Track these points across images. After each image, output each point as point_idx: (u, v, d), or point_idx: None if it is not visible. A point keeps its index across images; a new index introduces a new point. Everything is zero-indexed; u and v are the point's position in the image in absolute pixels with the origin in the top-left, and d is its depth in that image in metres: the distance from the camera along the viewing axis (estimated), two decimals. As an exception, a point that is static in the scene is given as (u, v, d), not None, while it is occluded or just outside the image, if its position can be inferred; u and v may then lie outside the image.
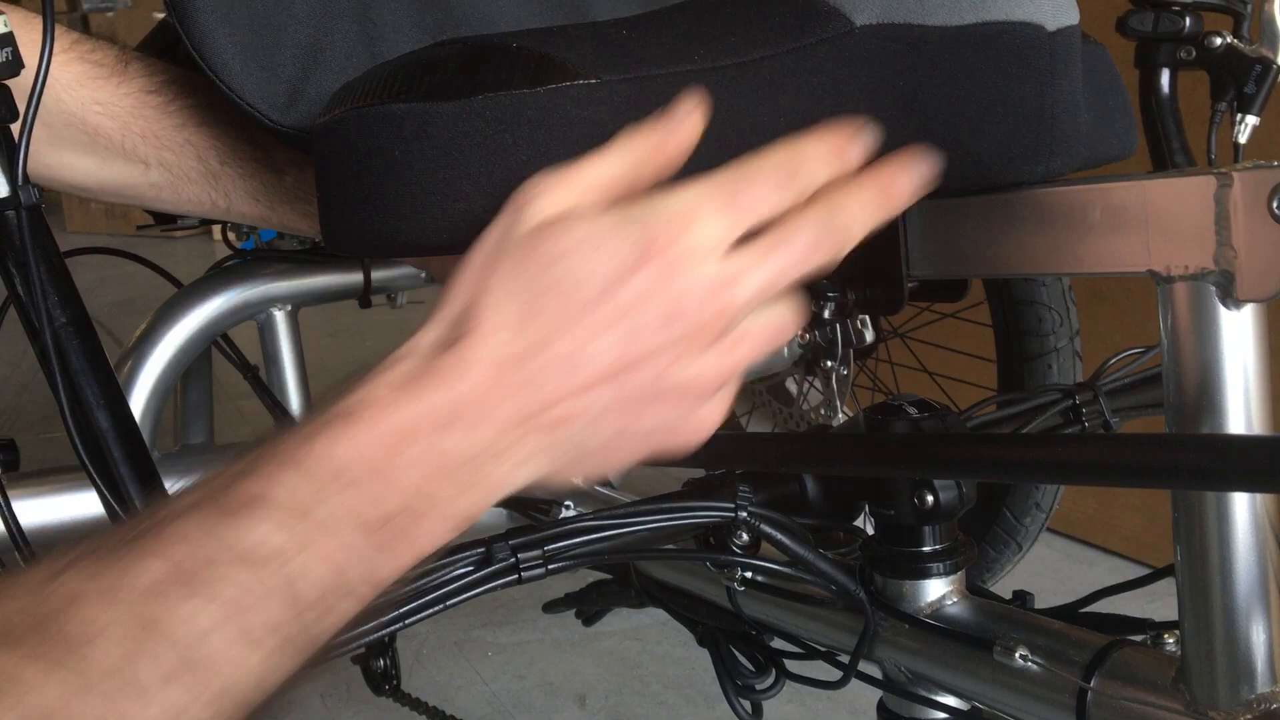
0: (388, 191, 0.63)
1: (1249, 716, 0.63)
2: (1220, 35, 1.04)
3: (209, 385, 1.30)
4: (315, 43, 0.73)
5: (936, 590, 0.80)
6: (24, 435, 1.05)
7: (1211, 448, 0.60)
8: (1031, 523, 1.53)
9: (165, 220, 1.55)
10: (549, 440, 0.53)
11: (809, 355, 0.81)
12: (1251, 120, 1.04)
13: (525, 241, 0.53)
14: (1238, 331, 0.60)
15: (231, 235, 1.52)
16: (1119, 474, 0.64)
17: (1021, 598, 0.82)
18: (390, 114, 0.62)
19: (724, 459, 0.82)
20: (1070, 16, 0.70)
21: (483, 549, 0.74)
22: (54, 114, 0.85)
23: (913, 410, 0.79)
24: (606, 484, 1.08)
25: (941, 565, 0.80)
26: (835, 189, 0.55)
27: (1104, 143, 0.80)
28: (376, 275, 1.32)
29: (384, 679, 1.33)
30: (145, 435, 1.04)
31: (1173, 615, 0.68)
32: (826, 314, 0.78)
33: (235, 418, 2.57)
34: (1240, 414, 0.61)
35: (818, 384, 1.75)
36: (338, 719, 1.73)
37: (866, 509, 0.83)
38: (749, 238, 0.53)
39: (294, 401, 1.28)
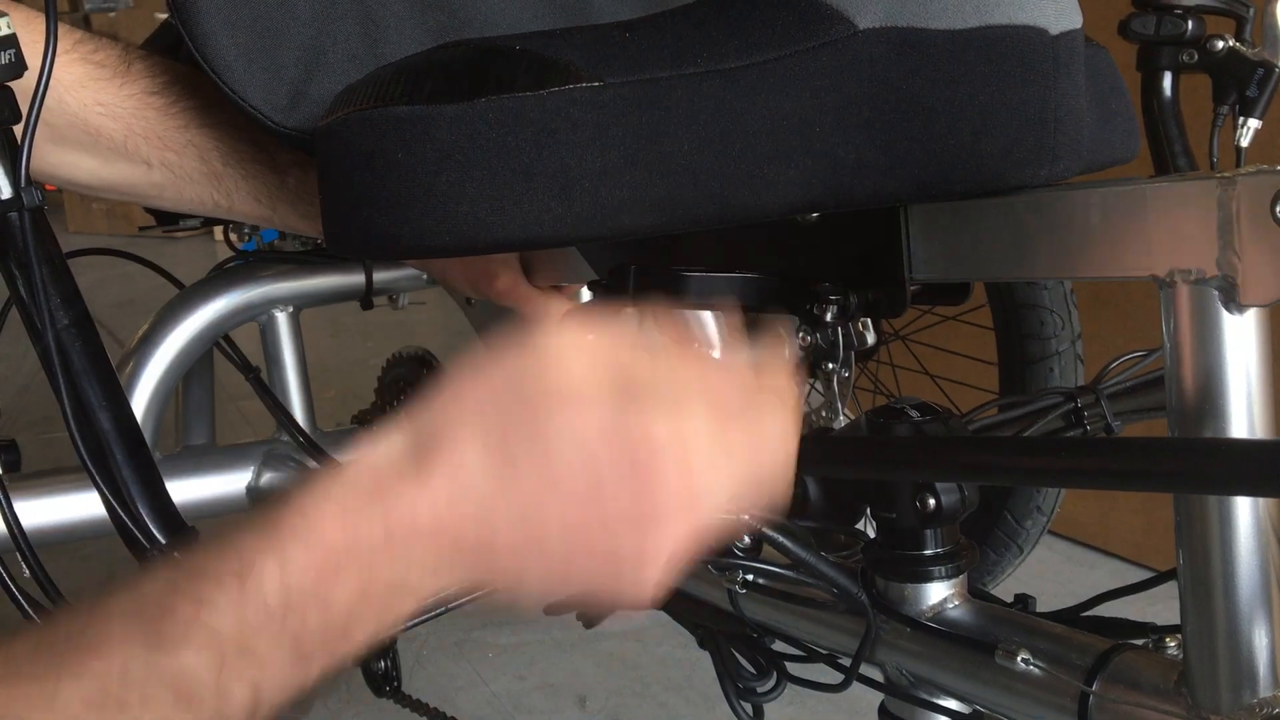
0: (390, 193, 0.63)
1: (1251, 721, 0.63)
2: (1222, 39, 1.04)
3: (210, 386, 1.30)
4: (317, 44, 0.73)
5: (938, 593, 0.80)
6: (25, 435, 1.05)
7: (1214, 452, 0.60)
8: (1033, 526, 1.53)
9: (167, 221, 1.55)
10: (487, 570, 0.53)
11: (810, 357, 0.80)
12: (1254, 124, 1.04)
13: (529, 400, 0.52)
14: (1240, 336, 0.60)
15: (233, 236, 1.52)
16: (1121, 478, 0.64)
17: (1023, 601, 0.82)
18: (393, 116, 0.62)
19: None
20: (1073, 20, 0.70)
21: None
22: (56, 115, 0.85)
23: (915, 413, 0.79)
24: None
25: (943, 568, 0.80)
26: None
27: (1106, 146, 0.80)
28: (378, 277, 1.32)
29: (385, 680, 1.33)
30: (147, 436, 1.04)
31: (1175, 619, 0.68)
32: (828, 316, 0.78)
33: (236, 419, 2.57)
34: (1243, 418, 0.61)
35: (819, 386, 1.75)
36: (338, 720, 1.73)
37: (868, 512, 0.83)
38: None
39: (295, 402, 1.28)
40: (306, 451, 1.20)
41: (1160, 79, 1.08)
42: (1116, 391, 0.98)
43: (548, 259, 1.04)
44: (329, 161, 0.67)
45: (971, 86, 0.66)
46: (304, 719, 0.52)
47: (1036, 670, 0.72)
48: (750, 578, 0.89)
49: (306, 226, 0.94)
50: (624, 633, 1.89)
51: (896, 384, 1.86)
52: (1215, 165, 1.07)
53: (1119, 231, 0.63)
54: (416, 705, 1.38)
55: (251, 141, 0.89)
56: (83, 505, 1.09)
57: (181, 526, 0.89)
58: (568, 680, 1.81)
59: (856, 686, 0.85)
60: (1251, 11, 1.06)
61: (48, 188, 0.85)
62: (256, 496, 1.22)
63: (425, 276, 1.25)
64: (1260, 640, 0.63)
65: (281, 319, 1.27)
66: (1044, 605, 0.82)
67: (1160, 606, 0.83)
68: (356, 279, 1.31)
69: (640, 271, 0.86)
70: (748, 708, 0.98)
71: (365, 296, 1.34)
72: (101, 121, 0.86)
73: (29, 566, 0.85)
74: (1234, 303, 0.59)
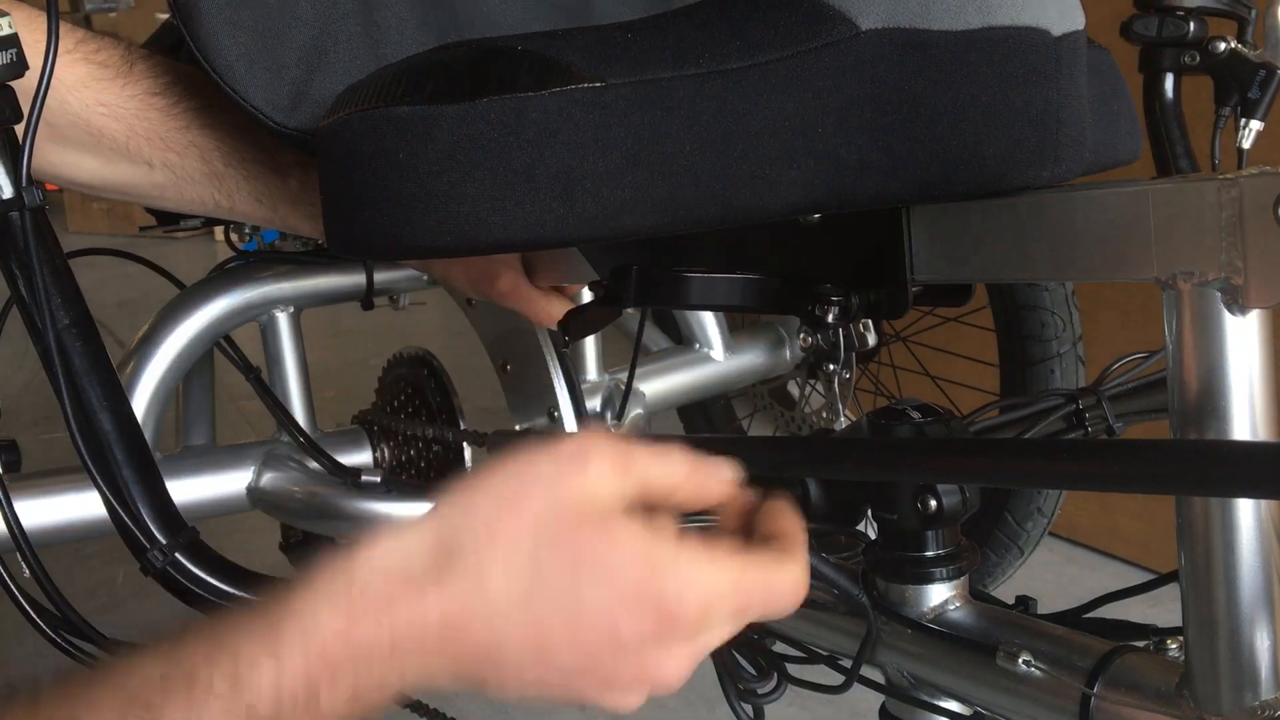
0: (392, 194, 0.63)
1: (1252, 723, 0.63)
2: (1224, 40, 1.04)
3: (211, 386, 1.30)
4: (319, 44, 0.73)
5: (939, 595, 0.80)
6: (25, 435, 1.05)
7: (1216, 454, 0.59)
8: (1034, 527, 1.53)
9: (168, 221, 1.55)
10: (470, 683, 0.53)
11: (811, 359, 0.80)
12: (1255, 125, 1.04)
13: (562, 518, 0.52)
14: (1243, 338, 0.60)
15: (234, 236, 1.52)
16: (1122, 480, 0.64)
17: (1024, 603, 0.82)
18: (394, 116, 0.62)
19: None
20: (1075, 21, 0.70)
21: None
22: (58, 115, 0.85)
23: (916, 414, 0.79)
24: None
25: (944, 570, 0.80)
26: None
27: (1108, 147, 0.80)
28: (379, 277, 1.32)
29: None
30: (147, 436, 1.04)
31: (1176, 621, 0.68)
32: (830, 318, 0.78)
33: (237, 419, 2.57)
34: (1245, 420, 0.61)
35: (820, 387, 1.75)
36: (338, 721, 1.72)
37: (869, 513, 0.83)
38: None
39: (296, 402, 1.28)
40: (307, 452, 1.20)
41: (1162, 80, 1.08)
42: (1118, 393, 0.98)
43: (549, 259, 1.04)
44: (330, 162, 0.67)
45: (974, 88, 0.66)
46: None
47: (1038, 672, 0.72)
48: (751, 579, 0.89)
49: (308, 227, 0.93)
50: (624, 634, 1.89)
51: (898, 385, 1.85)
52: (1217, 167, 1.07)
53: (1121, 233, 0.62)
54: (416, 706, 1.38)
55: (253, 142, 0.89)
56: (83, 505, 1.09)
57: (182, 527, 0.89)
58: (568, 681, 1.80)
59: (857, 688, 0.85)
60: (1253, 13, 1.06)
61: (49, 187, 0.85)
62: (257, 497, 1.22)
63: (426, 277, 1.25)
64: (1262, 642, 0.63)
65: (282, 319, 1.27)
66: (1045, 607, 0.82)
67: (1162, 608, 0.83)
68: (357, 279, 1.31)
69: (642, 272, 0.86)
70: (748, 709, 0.98)
71: (366, 297, 1.34)
72: (103, 122, 0.86)
73: (29, 567, 0.85)
74: (1236, 305, 0.59)
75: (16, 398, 3.24)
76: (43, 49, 0.76)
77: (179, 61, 0.88)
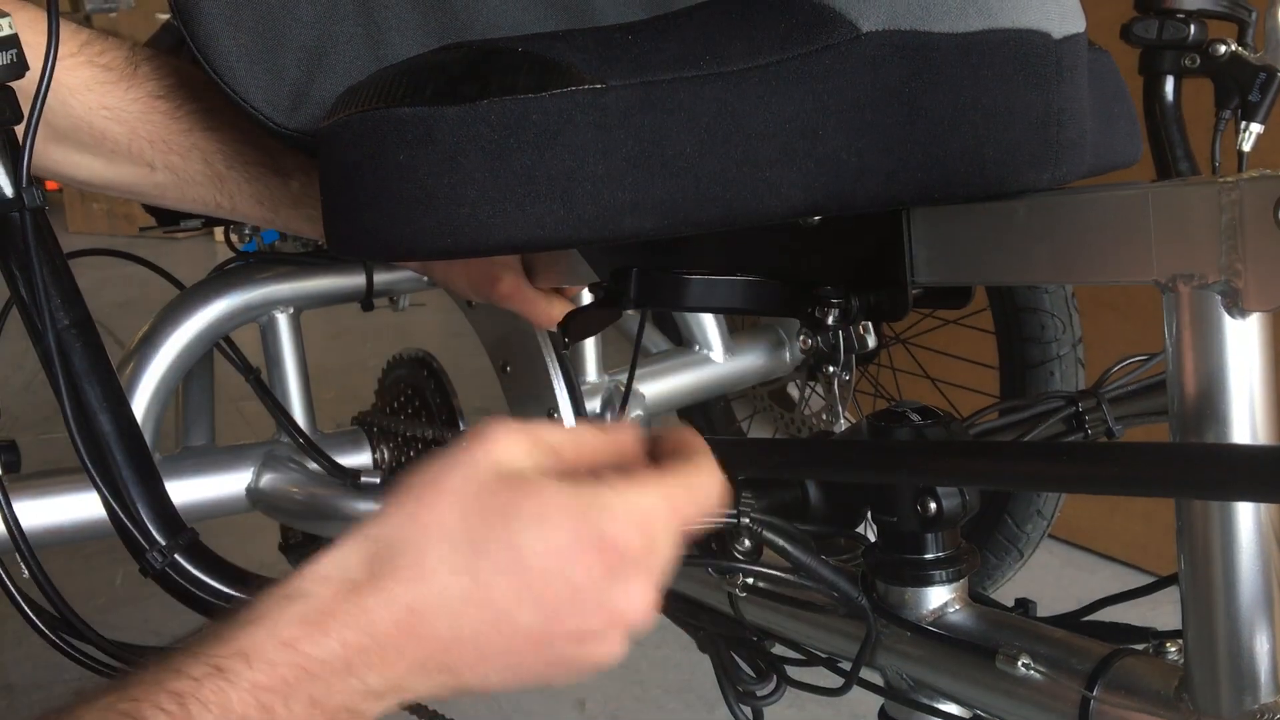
0: (392, 196, 0.63)
1: (1252, 727, 0.63)
2: (1224, 43, 1.04)
3: (210, 387, 1.30)
4: (319, 46, 0.73)
5: (939, 597, 0.80)
6: (25, 436, 1.05)
7: (1216, 457, 0.59)
8: (1033, 530, 1.53)
9: (168, 222, 1.55)
10: (445, 680, 0.53)
11: (811, 361, 0.80)
12: (1256, 128, 1.04)
13: (483, 490, 0.53)
14: (1243, 341, 0.60)
15: (234, 237, 1.52)
16: (1122, 483, 0.64)
17: (1024, 606, 0.82)
18: (395, 118, 0.62)
19: (726, 465, 0.82)
20: (1076, 24, 0.70)
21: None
22: (60, 116, 0.85)
23: (915, 417, 0.79)
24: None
25: (944, 572, 0.80)
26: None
27: (1109, 150, 0.80)
28: (379, 278, 1.32)
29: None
30: (146, 437, 1.04)
31: (1176, 624, 0.68)
32: (830, 320, 0.78)
33: (236, 419, 2.57)
34: (1245, 423, 0.61)
35: (819, 389, 1.75)
36: (337, 722, 1.72)
37: (869, 516, 0.83)
38: None
39: (295, 403, 1.28)
40: (306, 453, 1.20)
41: (1162, 83, 1.08)
42: (1118, 396, 0.98)
43: (549, 261, 1.04)
44: (331, 163, 0.67)
45: (974, 90, 0.66)
46: None
47: (1037, 675, 0.72)
48: (750, 581, 0.89)
49: (309, 229, 0.93)
50: (623, 635, 1.89)
51: (897, 387, 1.85)
52: (1217, 170, 1.07)
53: (1121, 236, 0.62)
54: (415, 708, 1.38)
55: (256, 145, 0.89)
56: (82, 506, 1.09)
57: (181, 528, 0.89)
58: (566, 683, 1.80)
59: (856, 690, 0.85)
60: (1254, 16, 1.06)
61: (49, 185, 0.85)
62: (256, 498, 1.22)
63: (425, 278, 1.25)
64: (1261, 646, 0.63)
65: (282, 320, 1.27)
66: (1044, 610, 0.82)
67: (1161, 611, 0.83)
68: (357, 280, 1.31)
69: (642, 274, 0.86)
70: (747, 711, 0.98)
71: (366, 298, 1.34)
72: (106, 125, 0.86)
73: (28, 568, 0.85)
74: (1236, 308, 0.59)
75: (16, 398, 3.24)
76: (44, 51, 0.76)
77: (182, 62, 0.88)
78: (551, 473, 0.54)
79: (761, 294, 0.83)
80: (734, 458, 0.83)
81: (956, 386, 1.71)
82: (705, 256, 0.84)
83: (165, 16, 1.35)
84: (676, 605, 1.00)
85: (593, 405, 1.27)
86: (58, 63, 0.76)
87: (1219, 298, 0.59)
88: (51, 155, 0.87)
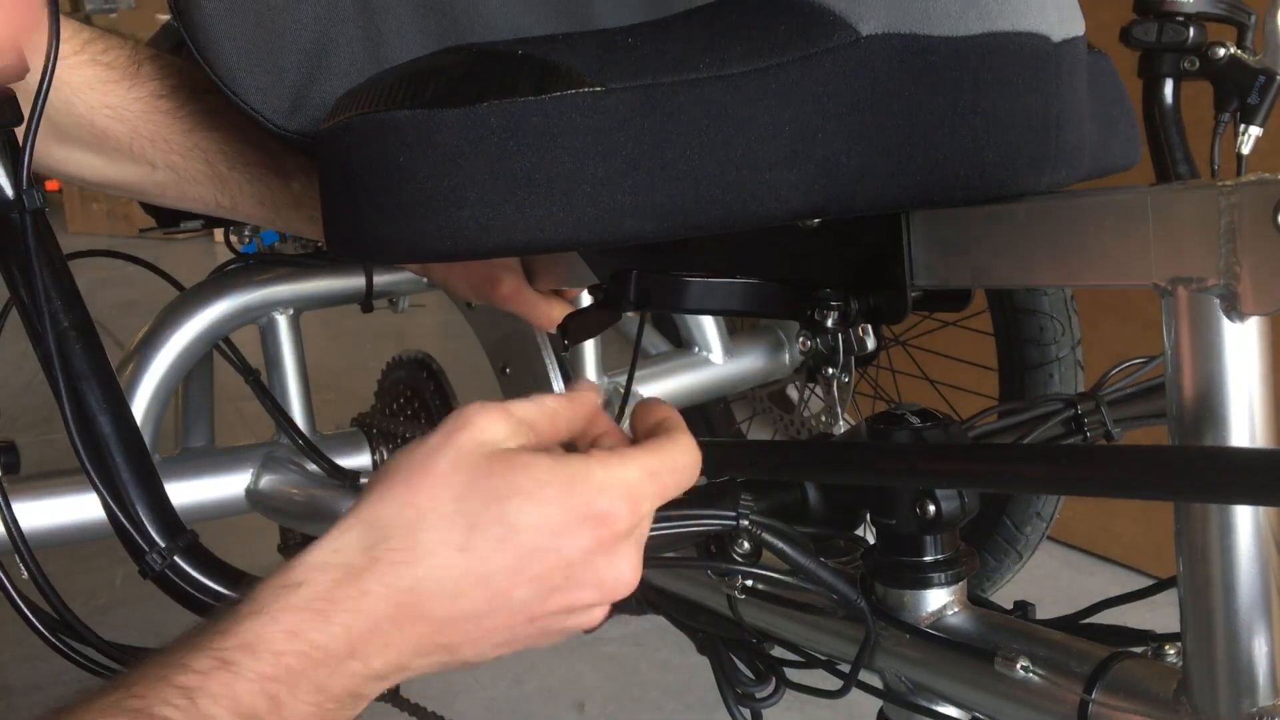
0: (392, 198, 0.63)
1: (1250, 729, 0.63)
2: (1224, 46, 1.04)
3: (210, 388, 1.30)
4: (319, 48, 0.73)
5: (938, 600, 0.80)
6: (25, 437, 1.05)
7: (1214, 460, 0.59)
8: (1032, 532, 1.53)
9: (168, 223, 1.55)
10: (444, 658, 0.54)
11: (810, 363, 0.80)
12: (1255, 131, 1.04)
13: (475, 471, 0.54)
14: (1242, 344, 0.60)
15: (233, 238, 1.52)
16: (1121, 485, 0.64)
17: (1023, 608, 0.82)
18: (395, 120, 0.62)
19: (725, 467, 0.82)
20: (1075, 27, 0.70)
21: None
22: (62, 115, 0.85)
23: (915, 419, 0.79)
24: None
25: (943, 575, 0.80)
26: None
27: (1108, 153, 0.80)
28: (378, 280, 1.32)
29: (383, 684, 1.32)
30: (146, 438, 1.04)
31: (1174, 627, 0.68)
32: (829, 322, 0.78)
33: (236, 420, 2.57)
34: (1244, 426, 0.61)
35: (819, 391, 1.75)
36: (336, 723, 1.72)
37: (868, 518, 0.83)
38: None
39: (295, 405, 1.28)
40: (306, 454, 1.20)
41: (1161, 86, 1.08)
42: (1116, 398, 0.98)
43: (549, 263, 1.04)
44: (331, 165, 0.67)
45: (974, 93, 0.66)
46: None
47: (1036, 678, 0.72)
48: (749, 583, 0.89)
49: (311, 230, 0.94)
50: (623, 637, 1.89)
51: (897, 389, 1.86)
52: (1216, 173, 1.07)
53: (1120, 239, 0.63)
54: (415, 709, 1.38)
55: (257, 146, 0.89)
56: (82, 508, 1.09)
57: (180, 529, 0.89)
58: (566, 685, 1.81)
59: (855, 693, 0.85)
60: (1253, 18, 1.06)
61: (49, 185, 0.85)
62: (256, 499, 1.22)
63: (425, 280, 1.25)
64: (1260, 648, 0.63)
65: (281, 321, 1.27)
66: (1043, 612, 0.82)
67: (1160, 614, 0.83)
68: (357, 282, 1.31)
69: (641, 276, 0.86)
70: (746, 713, 0.98)
71: (365, 299, 1.34)
72: (108, 124, 0.86)
73: (27, 569, 0.85)
74: (1235, 311, 0.59)
75: (16, 399, 3.24)
76: (44, 51, 0.76)
77: (184, 62, 0.88)
78: (533, 448, 0.56)
79: (761, 296, 0.83)
80: (733, 459, 0.83)
81: (956, 388, 1.71)
82: (705, 258, 0.84)
83: (165, 17, 1.35)
84: (676, 607, 1.00)
85: (592, 407, 1.27)
86: (60, 61, 0.76)
87: (1218, 301, 0.59)
88: (52, 154, 0.87)
